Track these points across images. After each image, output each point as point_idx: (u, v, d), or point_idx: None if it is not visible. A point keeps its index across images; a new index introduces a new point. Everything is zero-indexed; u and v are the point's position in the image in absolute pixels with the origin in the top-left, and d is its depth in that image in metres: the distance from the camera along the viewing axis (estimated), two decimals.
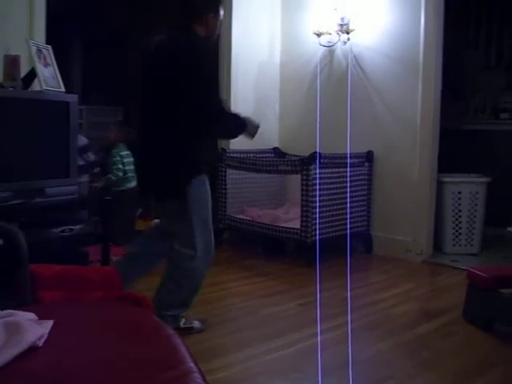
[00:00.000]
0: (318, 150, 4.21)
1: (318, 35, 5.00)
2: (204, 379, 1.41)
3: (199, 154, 2.92)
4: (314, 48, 5.14)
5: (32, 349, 1.43)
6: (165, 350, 1.55)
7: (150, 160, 2.96)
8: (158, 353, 1.52)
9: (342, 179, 4.49)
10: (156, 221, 5.19)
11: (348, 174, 4.18)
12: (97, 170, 6.37)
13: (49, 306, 1.92)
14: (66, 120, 3.47)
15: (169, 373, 1.39)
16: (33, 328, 1.49)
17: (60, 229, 3.33)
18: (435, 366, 2.66)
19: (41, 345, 1.47)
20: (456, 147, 5.36)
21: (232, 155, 5.02)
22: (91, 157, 5.07)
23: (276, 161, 4.90)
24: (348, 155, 4.37)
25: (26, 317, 1.55)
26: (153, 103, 2.91)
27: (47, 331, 1.52)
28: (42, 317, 1.59)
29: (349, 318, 3.20)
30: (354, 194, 4.58)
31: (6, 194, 3.15)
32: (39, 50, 3.48)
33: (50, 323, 1.57)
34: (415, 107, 4.58)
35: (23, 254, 2.24)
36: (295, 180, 4.62)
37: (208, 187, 2.94)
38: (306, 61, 5.28)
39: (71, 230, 3.39)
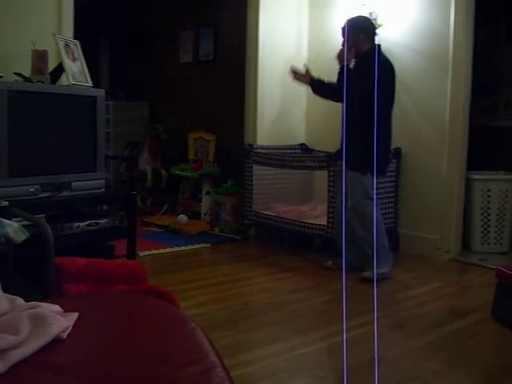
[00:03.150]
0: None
1: None
2: (227, 374, 1.40)
3: None
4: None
5: (56, 341, 1.44)
6: (188, 344, 1.54)
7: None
8: (182, 347, 1.51)
9: None
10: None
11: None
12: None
13: (74, 298, 1.93)
14: (93, 114, 3.49)
15: (192, 367, 1.38)
16: (57, 320, 1.49)
17: (86, 223, 3.36)
18: (463, 366, 2.62)
19: (65, 337, 1.47)
20: (486, 144, 5.27)
21: (259, 151, 5.00)
22: None
23: (303, 156, 4.86)
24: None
25: (50, 309, 1.56)
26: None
27: (72, 324, 1.53)
28: (66, 309, 1.59)
29: (375, 316, 3.16)
30: (381, 190, 4.52)
31: (34, 188, 3.18)
32: (67, 45, 3.51)
33: (74, 316, 1.57)
34: (444, 103, 4.51)
35: (49, 247, 2.26)
36: (322, 176, 4.58)
37: None
38: (333, 56, 5.23)
39: (97, 223, 3.42)
